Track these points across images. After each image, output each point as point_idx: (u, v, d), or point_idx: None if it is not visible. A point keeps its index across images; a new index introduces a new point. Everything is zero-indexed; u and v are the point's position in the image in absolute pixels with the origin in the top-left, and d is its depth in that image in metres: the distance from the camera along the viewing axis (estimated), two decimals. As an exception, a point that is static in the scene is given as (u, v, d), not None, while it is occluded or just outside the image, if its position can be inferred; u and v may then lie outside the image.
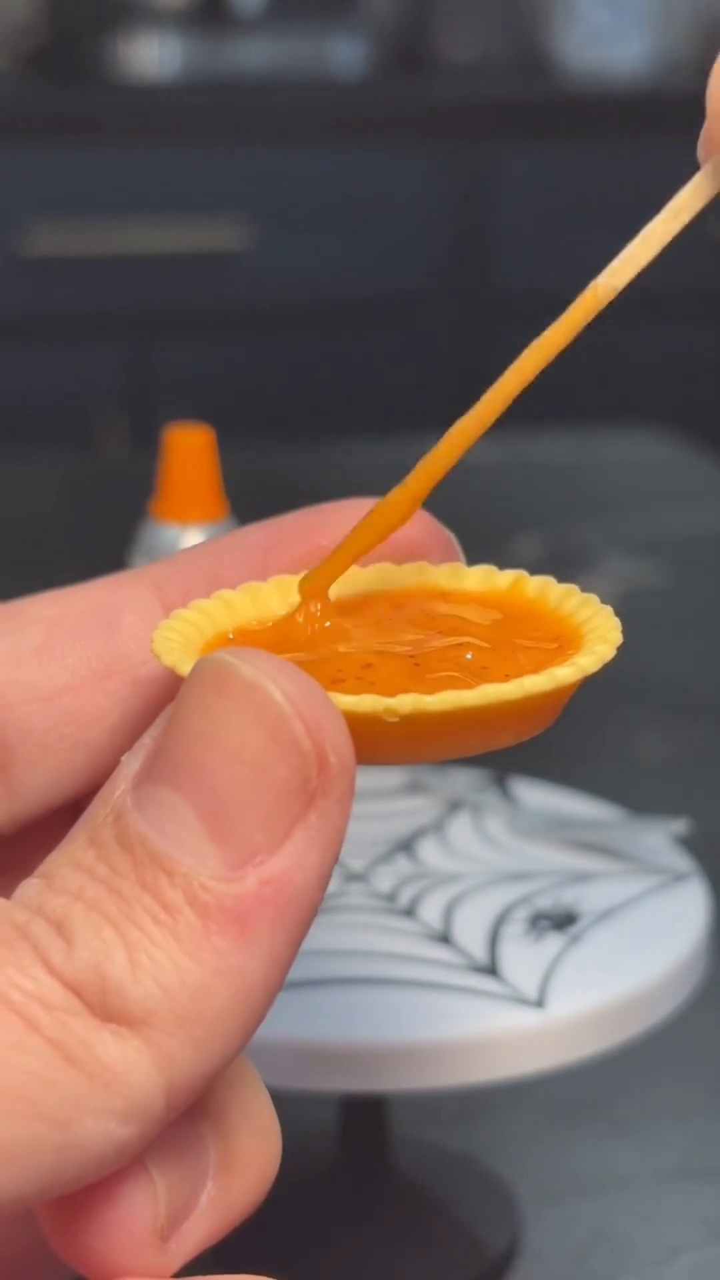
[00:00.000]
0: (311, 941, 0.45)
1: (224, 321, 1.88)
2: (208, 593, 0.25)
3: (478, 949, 0.42)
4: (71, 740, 0.25)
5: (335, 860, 0.20)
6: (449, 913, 0.44)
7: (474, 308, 1.93)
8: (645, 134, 1.93)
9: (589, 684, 0.80)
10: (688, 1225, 0.46)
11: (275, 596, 0.25)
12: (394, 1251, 0.44)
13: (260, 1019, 0.20)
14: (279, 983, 0.20)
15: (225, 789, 0.20)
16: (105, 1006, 0.19)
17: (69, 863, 0.20)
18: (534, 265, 1.93)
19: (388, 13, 2.10)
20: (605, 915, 0.44)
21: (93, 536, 1.01)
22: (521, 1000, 0.40)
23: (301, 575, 0.25)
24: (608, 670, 0.81)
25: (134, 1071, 0.19)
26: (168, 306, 1.85)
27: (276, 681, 0.20)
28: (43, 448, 1.72)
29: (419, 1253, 0.45)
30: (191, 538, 0.51)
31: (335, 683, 0.22)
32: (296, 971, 0.43)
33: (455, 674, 0.22)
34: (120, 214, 1.81)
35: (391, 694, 0.21)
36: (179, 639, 0.23)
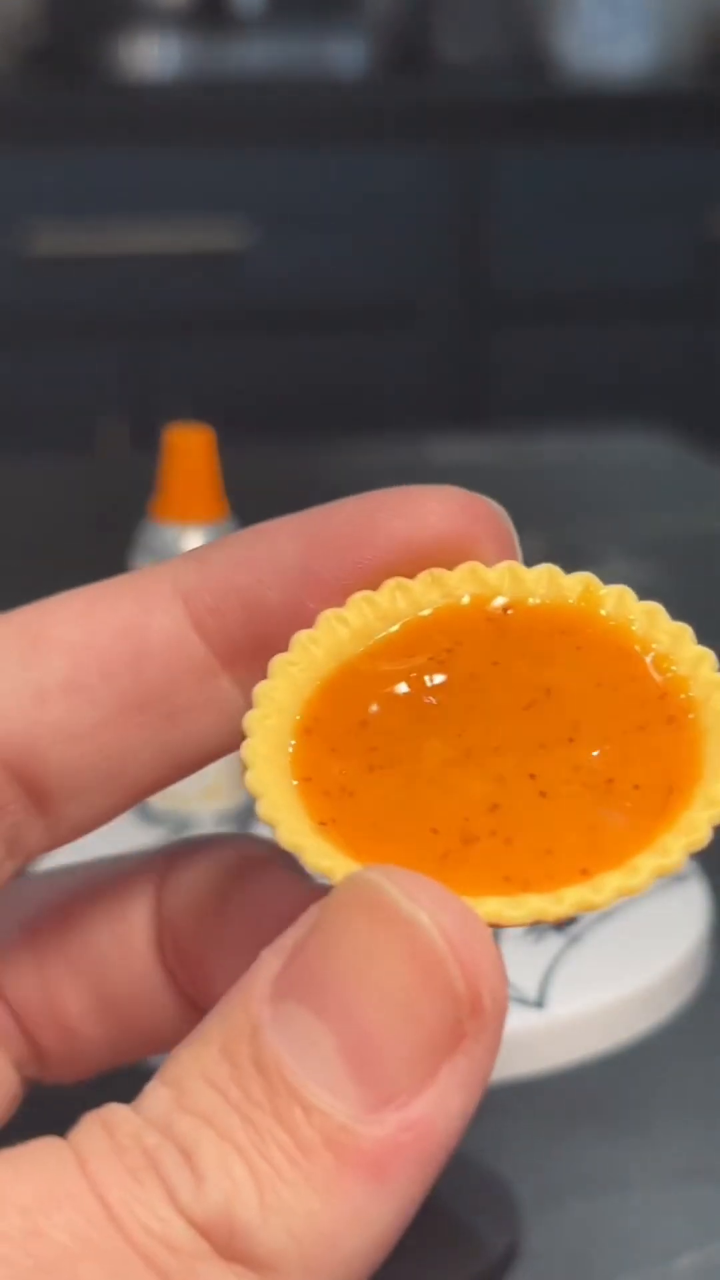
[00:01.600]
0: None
1: (224, 321, 1.88)
2: (242, 613, 0.23)
3: (478, 949, 0.42)
4: (107, 775, 0.24)
5: (478, 1103, 0.19)
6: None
7: (473, 307, 1.93)
8: (645, 134, 1.93)
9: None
10: (688, 1225, 0.46)
11: (324, 645, 0.23)
12: (394, 1251, 0.44)
13: (381, 1260, 0.19)
14: (404, 1226, 0.19)
15: (371, 1026, 0.19)
16: (232, 1248, 0.18)
17: (201, 1076, 0.19)
18: (533, 265, 1.93)
19: (388, 13, 2.10)
20: (605, 915, 0.44)
21: (93, 536, 1.01)
22: (521, 1000, 0.40)
23: (348, 604, 0.23)
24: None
25: None
26: (168, 307, 1.85)
27: (435, 918, 0.19)
28: (43, 448, 1.72)
29: (419, 1253, 0.45)
30: (191, 538, 0.51)
31: (469, 842, 0.21)
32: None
33: (589, 808, 0.21)
34: (120, 214, 1.81)
35: (531, 850, 0.21)
36: (271, 772, 0.22)
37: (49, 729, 0.23)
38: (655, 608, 0.24)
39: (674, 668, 0.23)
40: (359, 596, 0.23)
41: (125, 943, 0.25)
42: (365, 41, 2.01)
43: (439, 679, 0.23)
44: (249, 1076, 0.19)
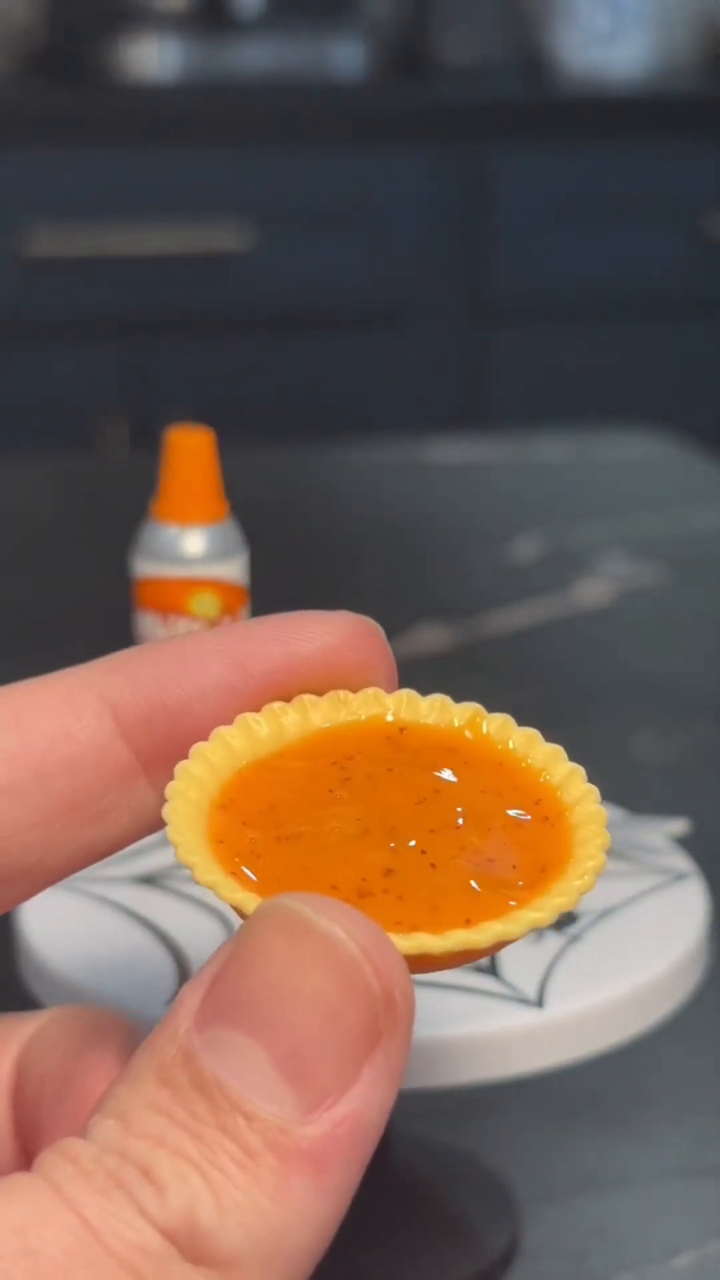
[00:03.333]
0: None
1: (224, 322, 1.88)
2: (170, 726, 0.26)
3: (477, 948, 0.42)
4: (26, 869, 0.25)
5: (396, 1093, 0.21)
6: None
7: (473, 309, 1.93)
8: (644, 136, 1.93)
9: (588, 684, 0.81)
10: (687, 1224, 0.46)
11: (242, 738, 0.26)
12: (394, 1250, 0.45)
13: (326, 1245, 0.21)
14: (344, 1212, 0.21)
15: (300, 1035, 0.21)
16: (195, 1250, 0.20)
17: (144, 1104, 0.21)
18: (533, 267, 1.93)
19: (387, 15, 2.10)
20: (605, 915, 0.44)
21: (93, 536, 1.01)
22: (521, 1000, 0.41)
23: (263, 711, 0.26)
24: (608, 670, 0.81)
25: None
26: (168, 307, 1.85)
27: (349, 931, 0.21)
28: (44, 448, 1.72)
29: (418, 1251, 0.45)
30: (191, 538, 0.51)
31: (364, 895, 0.23)
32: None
33: (472, 879, 0.24)
34: (120, 215, 1.82)
35: (419, 905, 0.23)
36: (190, 829, 0.24)
37: None
38: (533, 733, 0.26)
39: (549, 779, 0.26)
40: (274, 706, 0.26)
41: None
42: (365, 43, 2.01)
43: (341, 777, 0.26)
44: (190, 1097, 0.20)
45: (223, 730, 0.26)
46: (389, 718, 0.26)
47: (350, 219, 1.87)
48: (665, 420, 1.40)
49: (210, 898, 0.44)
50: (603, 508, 1.06)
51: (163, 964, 0.42)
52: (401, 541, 1.01)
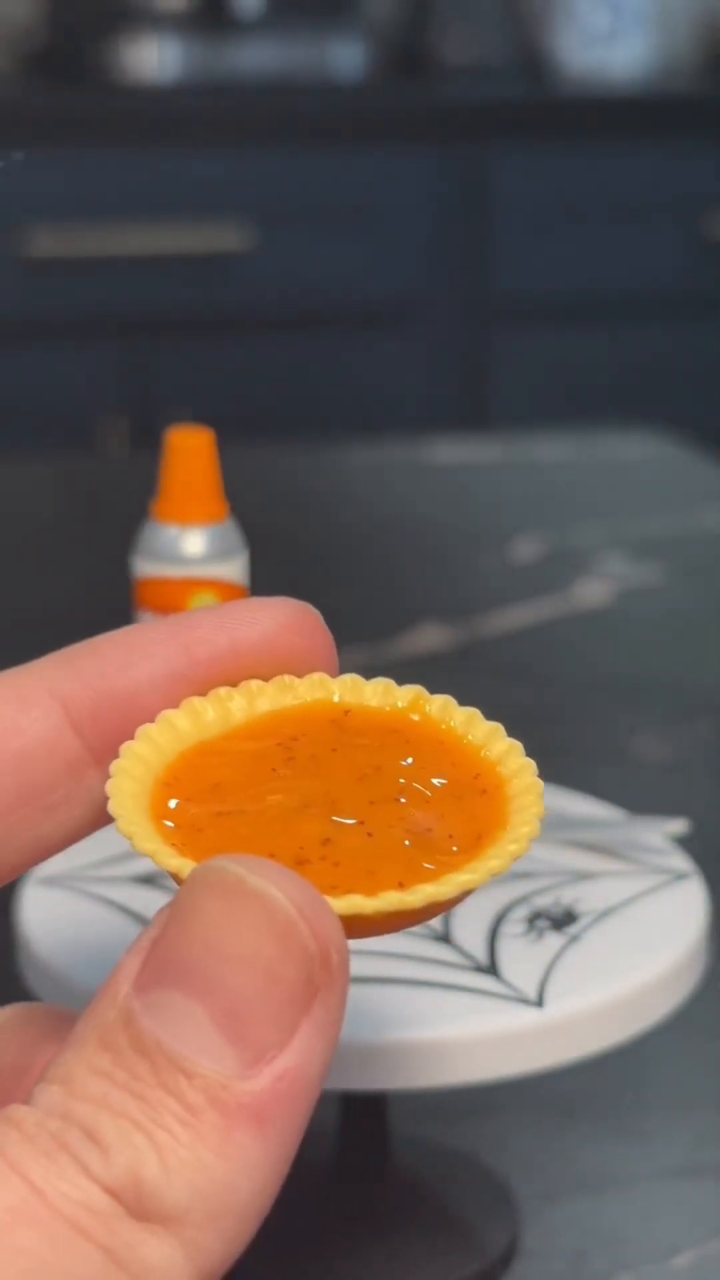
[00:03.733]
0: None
1: (224, 323, 1.88)
2: (119, 717, 0.26)
3: (477, 948, 0.43)
4: None
5: (335, 1046, 0.22)
6: (448, 912, 0.44)
7: (473, 309, 1.93)
8: (644, 136, 1.93)
9: (588, 684, 0.81)
10: (687, 1224, 0.46)
11: (188, 721, 0.26)
12: (394, 1250, 0.45)
13: (273, 1199, 0.21)
14: (288, 1165, 0.21)
15: (238, 993, 0.21)
16: (142, 1208, 0.20)
17: (86, 1068, 0.21)
18: (533, 267, 1.93)
19: (387, 15, 2.10)
20: (604, 915, 0.44)
21: (93, 537, 1.01)
22: (521, 999, 0.41)
23: (209, 695, 0.26)
24: (608, 670, 0.82)
25: (173, 1268, 0.20)
26: (168, 308, 1.85)
27: (283, 889, 0.21)
28: (44, 448, 1.72)
29: (418, 1251, 0.45)
30: (191, 538, 0.51)
31: (302, 863, 0.24)
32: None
33: (409, 845, 0.24)
34: (121, 216, 1.82)
35: (355, 871, 0.24)
36: (132, 803, 0.25)
37: None
38: (474, 712, 0.27)
39: (487, 755, 0.26)
40: (220, 691, 0.27)
41: None
42: (364, 43, 2.01)
43: (285, 757, 0.26)
44: (131, 1059, 0.21)
45: (169, 713, 0.26)
46: (335, 699, 0.27)
47: (350, 219, 1.87)
48: (665, 420, 1.40)
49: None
50: (603, 508, 1.06)
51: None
52: (401, 541, 1.01)
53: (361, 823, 0.25)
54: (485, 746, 0.26)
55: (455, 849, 0.24)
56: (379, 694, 0.27)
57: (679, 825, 0.48)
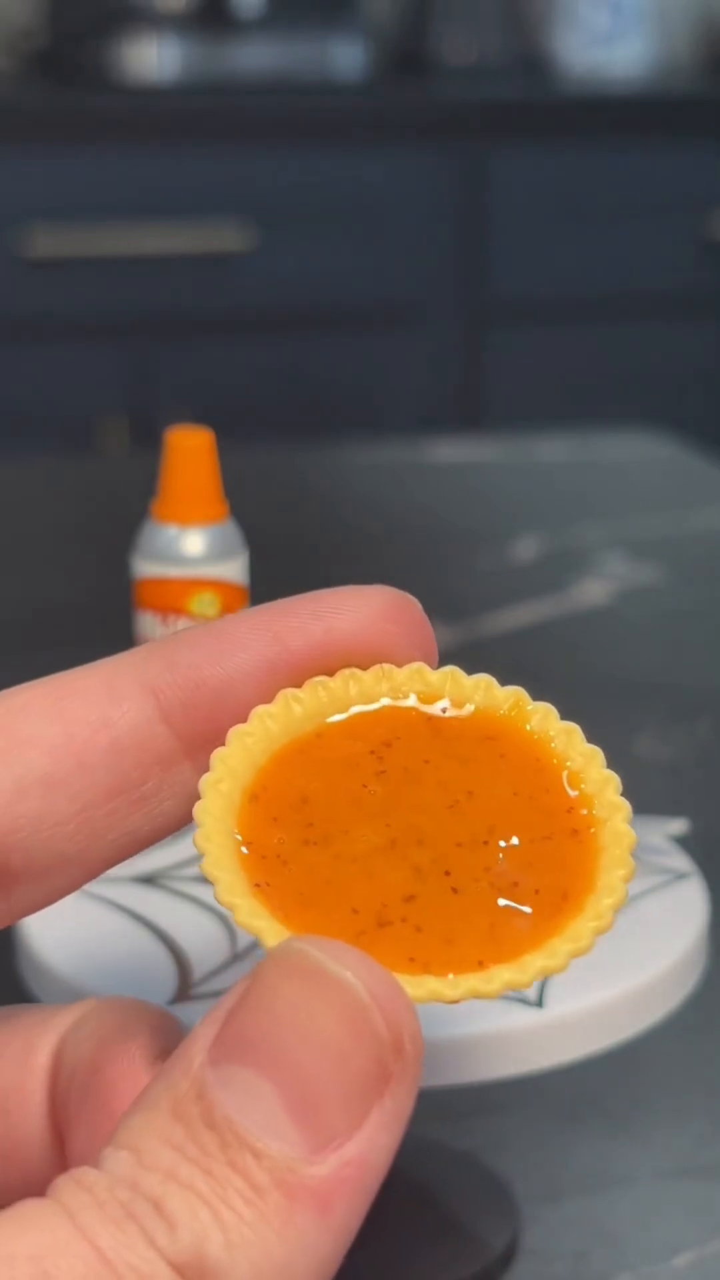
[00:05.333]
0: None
1: (224, 323, 1.88)
2: (211, 706, 0.25)
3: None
4: (74, 857, 0.26)
5: (402, 1137, 0.22)
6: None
7: (473, 309, 1.93)
8: (644, 136, 1.93)
9: (588, 684, 0.81)
10: (687, 1224, 0.46)
11: (280, 718, 0.25)
12: (394, 1249, 0.45)
13: None
14: (345, 1251, 0.22)
15: (309, 1076, 0.21)
16: None
17: (157, 1137, 0.21)
18: (533, 266, 1.93)
19: (387, 15, 2.10)
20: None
21: (93, 536, 1.01)
22: (521, 1000, 0.41)
23: (305, 686, 0.26)
24: (608, 670, 0.81)
25: None
26: (168, 308, 1.85)
27: (359, 976, 0.22)
28: (44, 448, 1.72)
29: (418, 1251, 0.45)
30: (191, 538, 0.51)
31: (383, 924, 0.24)
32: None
33: (492, 905, 0.24)
34: (121, 216, 1.82)
35: (435, 939, 0.23)
36: (218, 831, 0.24)
37: (26, 820, 0.25)
38: (573, 728, 0.26)
39: (583, 786, 0.25)
40: (315, 681, 0.26)
41: (23, 1091, 0.27)
42: (365, 43, 2.01)
43: (377, 769, 0.25)
44: (201, 1133, 0.21)
45: (261, 709, 0.25)
46: (436, 706, 0.26)
47: (350, 219, 1.87)
48: (665, 420, 1.40)
49: (210, 898, 0.44)
50: (603, 508, 1.06)
51: (162, 963, 0.42)
52: (401, 541, 1.01)
53: (448, 873, 0.24)
54: (582, 775, 0.26)
55: (539, 911, 0.24)
56: (479, 691, 0.26)
57: (679, 825, 0.48)
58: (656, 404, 1.88)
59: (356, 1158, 0.21)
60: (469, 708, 0.26)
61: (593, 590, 0.91)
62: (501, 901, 0.24)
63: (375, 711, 0.26)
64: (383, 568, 0.98)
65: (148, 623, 0.51)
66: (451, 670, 0.26)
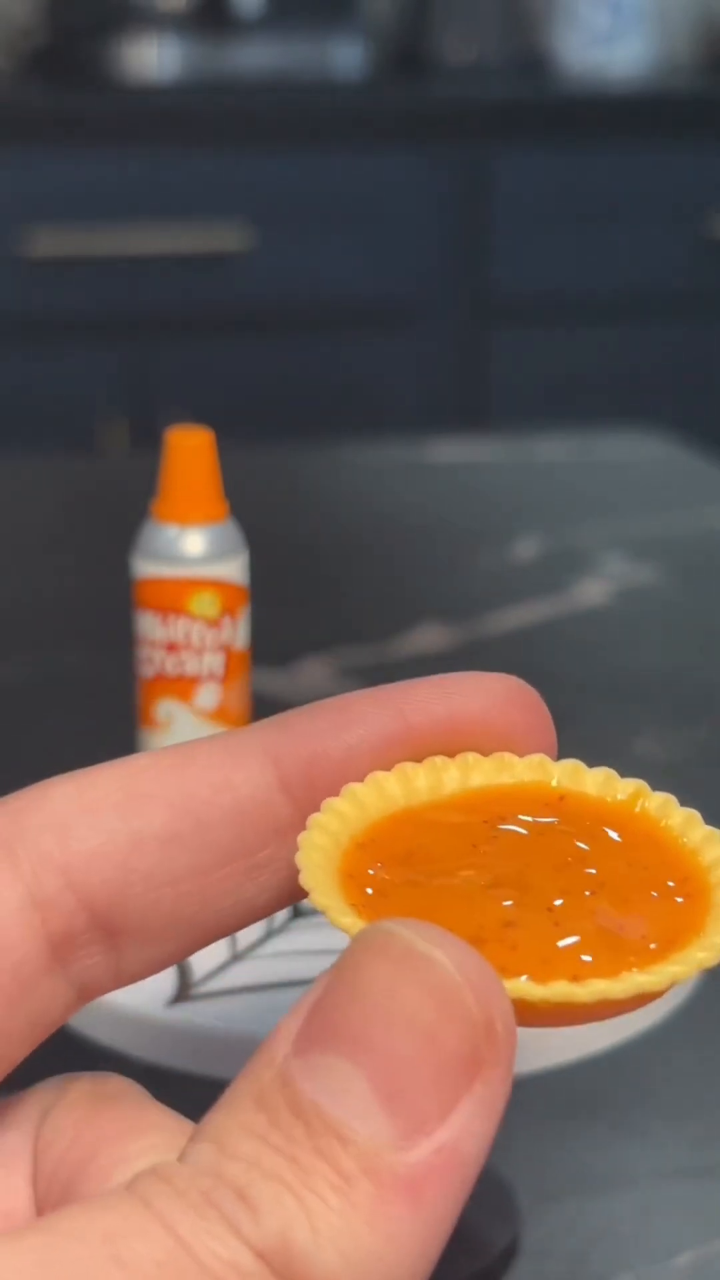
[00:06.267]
0: (313, 940, 0.45)
1: (224, 322, 1.88)
2: (326, 773, 0.25)
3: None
4: (185, 921, 0.25)
5: (498, 1126, 0.21)
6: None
7: (473, 309, 1.93)
8: (644, 136, 1.93)
9: (588, 684, 0.81)
10: (687, 1224, 0.46)
11: (397, 785, 0.25)
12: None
13: (429, 1273, 0.21)
14: (443, 1244, 0.21)
15: (398, 1059, 0.20)
16: (290, 1272, 0.20)
17: (240, 1128, 0.20)
18: (533, 266, 1.93)
19: (387, 15, 2.10)
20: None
21: (93, 536, 1.01)
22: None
23: (424, 763, 0.26)
24: (608, 670, 0.81)
25: None
26: (168, 307, 1.85)
27: (448, 953, 0.21)
28: (44, 448, 1.72)
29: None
30: (191, 538, 0.51)
31: (478, 942, 0.23)
32: (299, 969, 0.44)
33: (594, 941, 0.23)
34: (120, 215, 1.82)
35: (531, 957, 0.23)
36: (320, 857, 0.24)
37: (140, 876, 0.25)
38: (693, 814, 0.26)
39: (699, 859, 0.25)
40: (435, 760, 0.26)
41: (6, 1168, 0.26)
42: (365, 43, 2.01)
43: (489, 835, 0.25)
44: (287, 1121, 0.20)
45: (379, 775, 0.25)
46: (553, 783, 0.26)
47: (350, 219, 1.87)
48: (665, 420, 1.40)
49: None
50: (603, 508, 1.06)
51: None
52: (401, 541, 1.01)
53: (550, 910, 0.24)
54: (700, 851, 0.25)
55: (647, 948, 0.23)
56: (599, 783, 0.26)
57: (679, 825, 0.48)
58: (656, 404, 1.88)
59: (449, 1144, 0.20)
60: (589, 794, 0.26)
61: (593, 590, 0.91)
62: (594, 946, 0.23)
63: (492, 788, 0.26)
64: (383, 568, 0.98)
65: (148, 623, 0.51)
66: (574, 763, 0.26)
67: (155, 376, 1.85)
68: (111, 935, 0.25)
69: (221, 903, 0.25)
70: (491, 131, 1.91)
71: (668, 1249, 0.45)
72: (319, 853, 0.24)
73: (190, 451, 0.51)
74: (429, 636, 0.84)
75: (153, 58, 1.92)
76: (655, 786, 0.26)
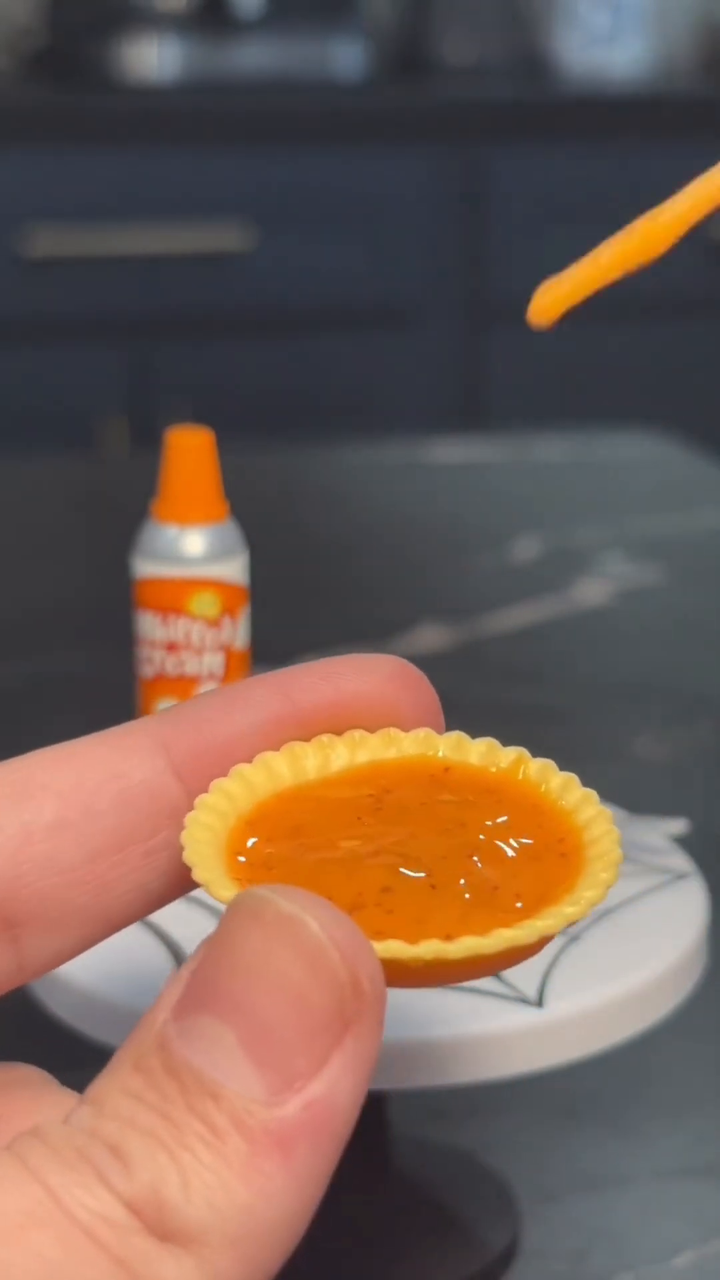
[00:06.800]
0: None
1: (224, 322, 1.88)
2: (216, 757, 0.26)
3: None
4: (83, 910, 0.25)
5: (369, 1081, 0.22)
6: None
7: (473, 309, 1.93)
8: (644, 136, 1.93)
9: (588, 684, 0.81)
10: (687, 1224, 0.46)
11: (286, 765, 0.26)
12: (393, 1250, 0.45)
13: (300, 1233, 0.21)
14: (317, 1199, 0.21)
15: (267, 1017, 0.21)
16: (162, 1225, 0.20)
17: (118, 1089, 0.21)
18: (532, 267, 1.92)
19: (387, 15, 2.10)
20: (604, 915, 0.44)
21: (93, 536, 1.01)
22: (521, 999, 0.41)
23: (312, 741, 0.26)
24: (608, 670, 0.82)
25: None
26: (168, 308, 1.85)
27: (314, 914, 0.21)
28: (44, 448, 1.72)
29: (419, 1251, 0.45)
30: (191, 538, 0.51)
31: (356, 908, 0.24)
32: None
33: (468, 899, 0.24)
34: (121, 216, 1.82)
35: (406, 919, 0.23)
36: (206, 835, 0.25)
37: (34, 864, 0.25)
38: (571, 777, 0.26)
39: (575, 819, 0.26)
40: (323, 738, 0.27)
41: None
42: (365, 44, 2.01)
43: (374, 806, 0.26)
44: (162, 1081, 0.21)
45: (267, 755, 0.26)
46: (438, 755, 0.27)
47: (350, 219, 1.87)
48: (666, 420, 1.40)
49: (209, 898, 0.44)
50: (603, 508, 1.06)
51: (162, 962, 0.42)
52: (401, 541, 1.01)
53: (428, 875, 0.24)
54: (576, 811, 0.26)
55: (518, 906, 0.24)
56: (481, 753, 0.27)
57: (679, 825, 0.48)
58: (656, 404, 1.88)
59: (320, 1099, 0.21)
60: (471, 762, 0.27)
61: (593, 590, 0.91)
62: (469, 907, 0.24)
63: (379, 763, 0.26)
64: (383, 568, 0.98)
65: (148, 623, 0.51)
66: (457, 735, 0.27)
67: (155, 376, 1.85)
68: (9, 927, 0.25)
69: (118, 888, 0.25)
70: (491, 132, 1.91)
71: (668, 1249, 0.45)
72: (205, 831, 0.25)
73: (190, 451, 0.51)
74: (429, 636, 0.84)
75: (153, 58, 1.92)
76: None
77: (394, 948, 0.23)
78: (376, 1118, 0.45)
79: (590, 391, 1.95)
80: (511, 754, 0.27)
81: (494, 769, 0.27)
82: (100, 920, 0.26)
